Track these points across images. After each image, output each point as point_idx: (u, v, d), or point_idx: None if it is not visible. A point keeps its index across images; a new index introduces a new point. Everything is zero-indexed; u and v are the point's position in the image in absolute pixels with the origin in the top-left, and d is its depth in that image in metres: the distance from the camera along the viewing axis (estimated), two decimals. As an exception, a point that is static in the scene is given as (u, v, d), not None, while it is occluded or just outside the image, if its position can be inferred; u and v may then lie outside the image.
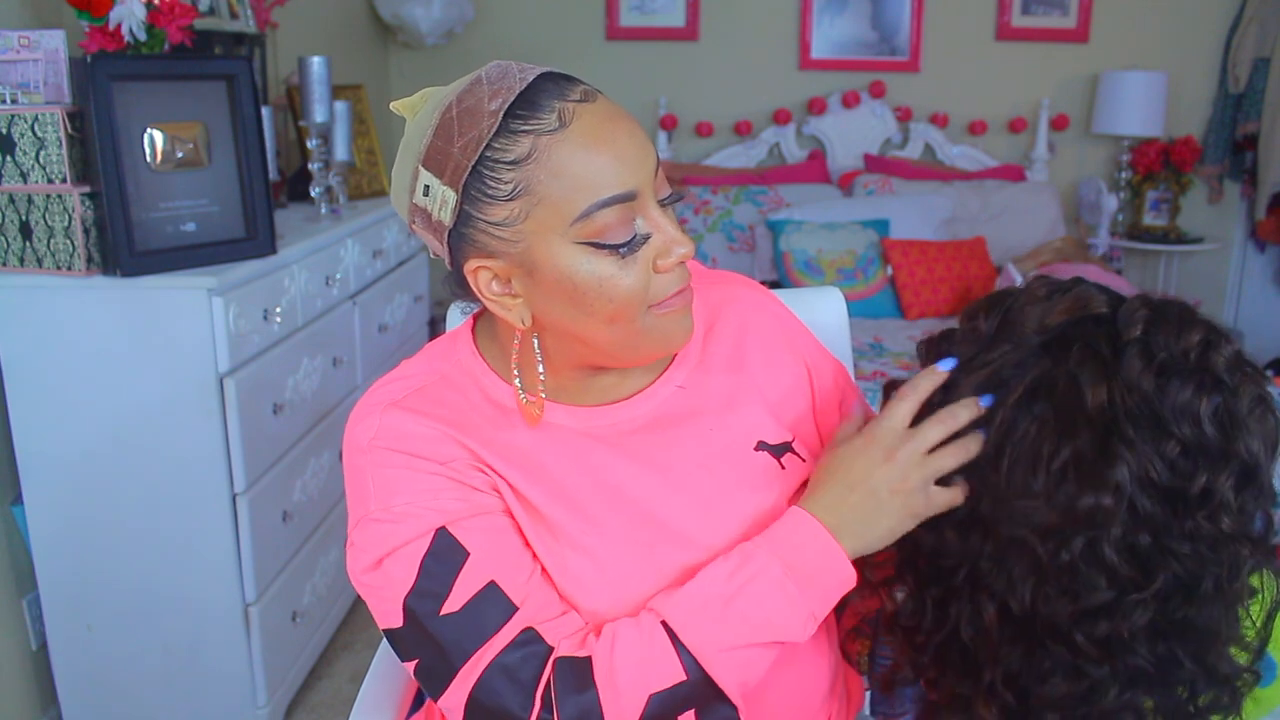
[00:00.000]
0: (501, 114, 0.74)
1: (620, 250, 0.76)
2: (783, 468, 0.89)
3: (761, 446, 0.89)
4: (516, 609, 0.77)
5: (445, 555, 0.77)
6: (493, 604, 0.77)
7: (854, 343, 1.60)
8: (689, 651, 0.75)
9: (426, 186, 0.77)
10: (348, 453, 0.84)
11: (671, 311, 0.81)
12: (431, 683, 0.78)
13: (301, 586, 2.02)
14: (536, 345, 0.84)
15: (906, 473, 0.77)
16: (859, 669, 1.11)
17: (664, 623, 0.77)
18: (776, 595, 0.77)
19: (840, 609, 1.17)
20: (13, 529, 1.77)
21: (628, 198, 0.76)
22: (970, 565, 0.78)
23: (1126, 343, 0.73)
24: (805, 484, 0.89)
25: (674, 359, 0.91)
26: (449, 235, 0.77)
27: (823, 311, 1.21)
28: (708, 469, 0.87)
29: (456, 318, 1.20)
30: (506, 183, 0.74)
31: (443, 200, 0.76)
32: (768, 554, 0.78)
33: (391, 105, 0.84)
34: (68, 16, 1.76)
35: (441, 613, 0.77)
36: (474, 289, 0.80)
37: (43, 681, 1.84)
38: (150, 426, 1.70)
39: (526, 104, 0.74)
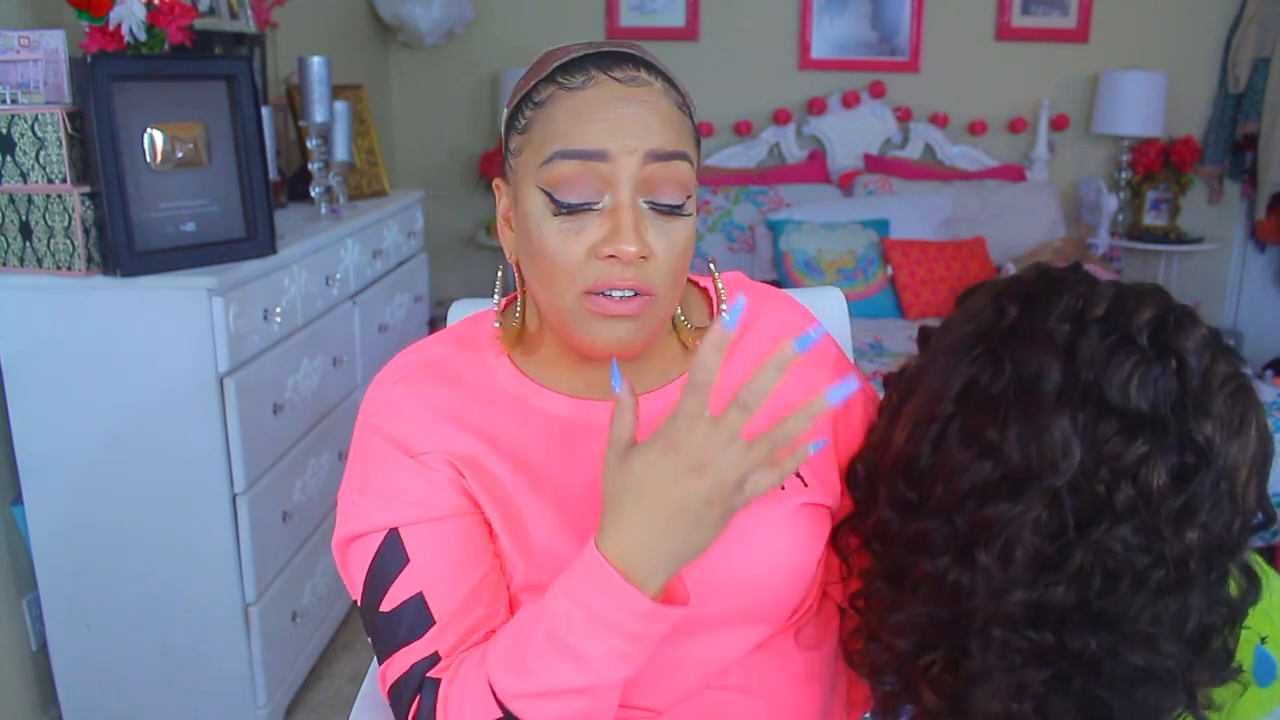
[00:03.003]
0: (553, 66, 0.80)
1: (561, 208, 0.77)
2: (782, 487, 0.87)
3: None
4: (434, 623, 0.80)
5: (390, 557, 0.82)
6: (415, 614, 0.80)
7: (854, 343, 1.60)
8: (497, 696, 0.73)
9: (505, 111, 0.85)
10: (357, 418, 0.89)
11: (598, 312, 0.78)
12: (378, 659, 0.84)
13: (301, 586, 2.02)
14: (515, 277, 0.88)
15: (722, 479, 0.66)
16: (861, 670, 1.10)
17: (486, 661, 0.76)
18: (561, 638, 0.70)
19: (843, 609, 1.17)
20: (13, 529, 1.77)
21: (591, 155, 0.76)
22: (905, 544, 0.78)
23: (1089, 321, 0.72)
24: (803, 505, 0.88)
25: None
26: (504, 155, 0.85)
27: (823, 311, 1.21)
28: None
29: (457, 317, 1.20)
30: (524, 119, 0.81)
31: (503, 122, 0.85)
32: (554, 594, 0.72)
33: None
34: (68, 16, 1.76)
35: (379, 608, 0.81)
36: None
37: (43, 681, 1.84)
38: (150, 426, 1.69)
39: (575, 64, 0.79)
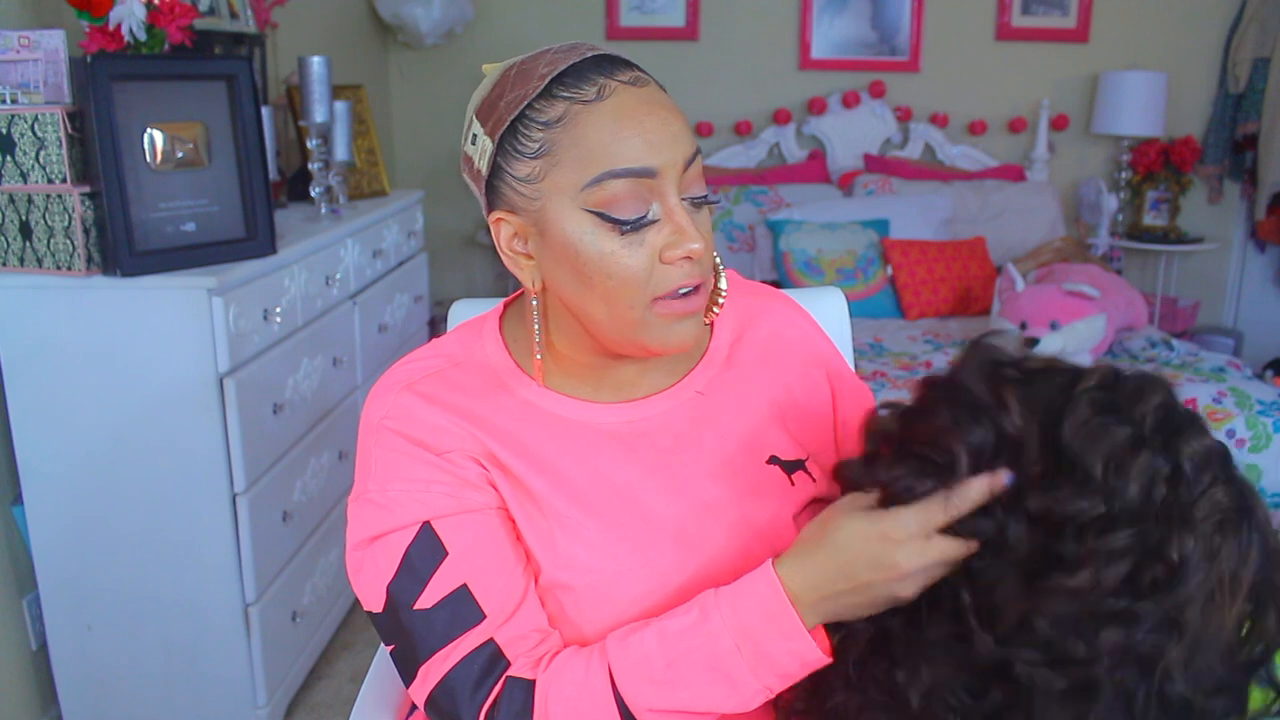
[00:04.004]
0: (549, 79, 0.77)
1: (624, 226, 0.77)
2: (792, 484, 0.89)
3: (774, 460, 0.89)
4: (484, 617, 0.78)
5: (426, 550, 0.79)
6: (462, 607, 0.78)
7: (854, 343, 1.60)
8: (625, 704, 0.74)
9: (474, 135, 0.81)
10: (361, 428, 0.87)
11: (671, 315, 0.79)
12: (403, 671, 0.81)
13: (301, 586, 2.02)
14: (535, 310, 0.85)
15: (910, 590, 0.71)
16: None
17: (609, 666, 0.76)
18: (722, 667, 0.73)
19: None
20: (13, 529, 1.77)
21: (641, 173, 0.76)
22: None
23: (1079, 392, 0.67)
24: (814, 501, 0.89)
25: (698, 363, 0.91)
26: (485, 185, 0.82)
27: (823, 311, 1.21)
28: (715, 476, 0.86)
29: (457, 317, 1.20)
30: (535, 141, 0.77)
31: (483, 149, 0.80)
32: (723, 618, 0.74)
33: (484, 67, 0.87)
34: (68, 16, 1.76)
35: (415, 606, 0.78)
36: (495, 242, 0.83)
37: (43, 681, 1.84)
38: (150, 427, 1.69)
39: (574, 74, 0.77)
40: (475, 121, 0.81)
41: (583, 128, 0.76)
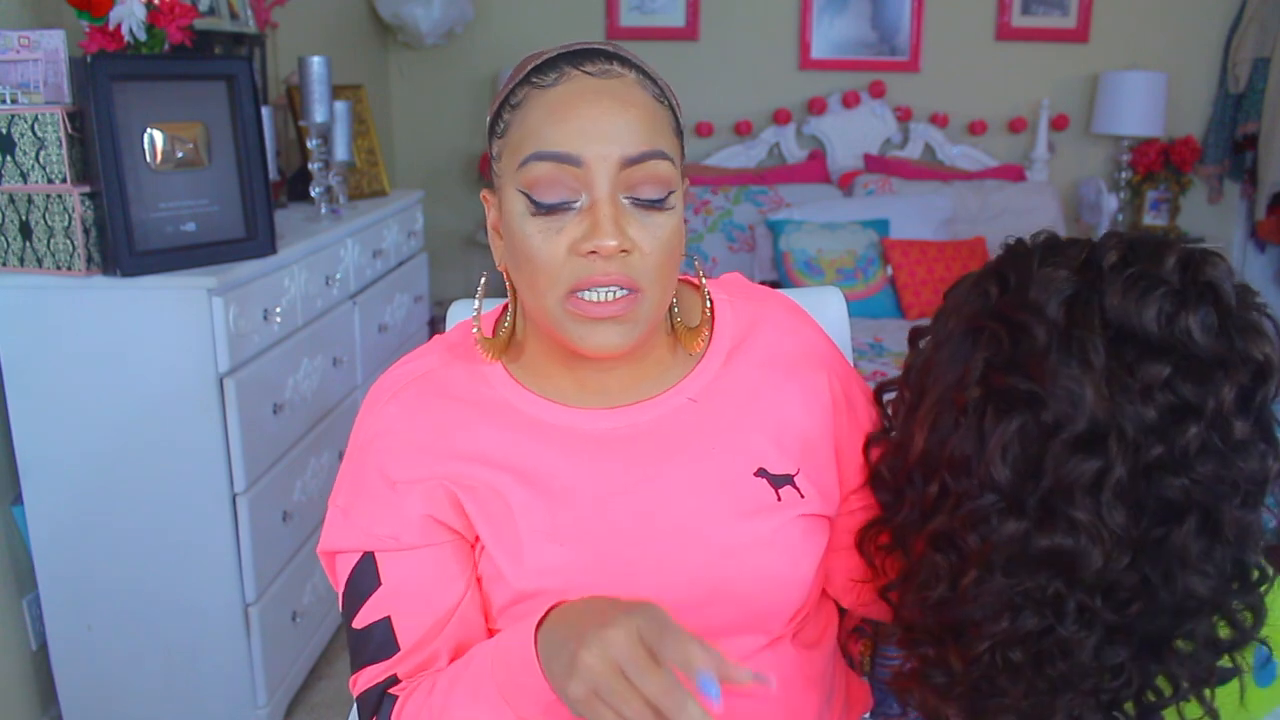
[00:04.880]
0: (529, 67, 0.80)
1: (541, 209, 0.77)
2: (779, 499, 0.86)
3: (761, 474, 0.86)
4: (398, 651, 0.84)
5: (364, 578, 0.85)
6: (381, 636, 0.84)
7: (854, 343, 1.60)
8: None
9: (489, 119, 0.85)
10: (351, 435, 0.90)
11: (579, 314, 0.78)
12: (351, 666, 0.89)
13: (301, 586, 2.01)
14: (507, 286, 0.87)
15: (589, 672, 0.65)
16: (860, 670, 1.10)
17: (435, 682, 0.82)
18: (484, 702, 0.76)
19: (841, 609, 1.17)
20: (13, 529, 1.77)
21: (565, 159, 0.76)
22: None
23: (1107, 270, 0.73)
24: (804, 516, 0.87)
25: (693, 369, 0.89)
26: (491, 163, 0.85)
27: (823, 311, 1.21)
28: (698, 490, 0.85)
29: (457, 317, 1.20)
30: (503, 123, 0.81)
31: (487, 130, 0.85)
32: (486, 659, 0.77)
33: None
34: (68, 16, 1.76)
35: (353, 624, 0.86)
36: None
37: (43, 681, 1.84)
38: (150, 426, 1.69)
39: (549, 63, 0.79)
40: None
41: (527, 110, 0.79)
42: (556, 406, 0.86)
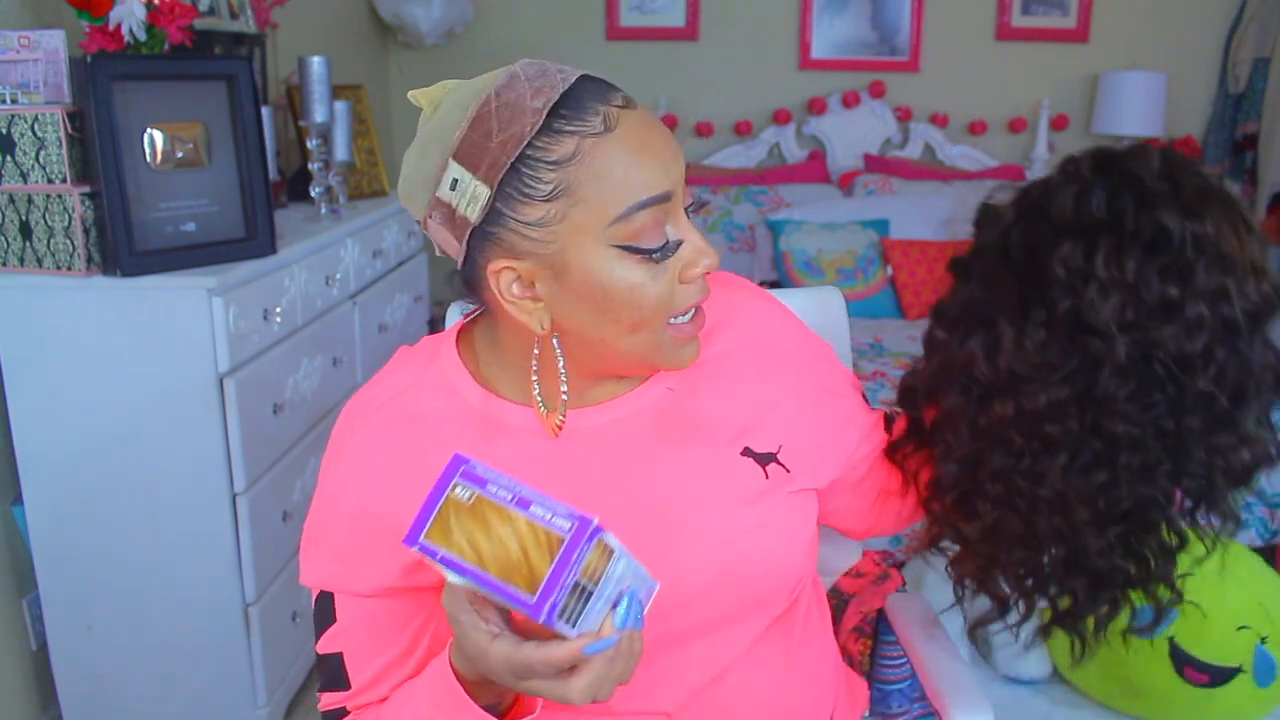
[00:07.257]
0: (545, 112, 0.73)
1: (654, 255, 0.76)
2: (766, 476, 0.87)
3: (748, 453, 0.87)
4: (349, 687, 0.86)
5: (324, 610, 0.87)
6: (335, 670, 0.87)
7: (854, 343, 1.60)
8: None
9: (455, 180, 0.74)
10: (327, 449, 0.88)
11: (684, 337, 0.81)
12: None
13: (301, 587, 2.01)
14: (558, 347, 0.81)
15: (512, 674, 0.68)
16: (860, 669, 1.11)
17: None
18: None
19: (841, 609, 1.17)
20: (13, 529, 1.77)
21: (664, 199, 0.76)
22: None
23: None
24: (794, 493, 0.88)
25: None
26: (472, 233, 0.76)
27: (823, 311, 1.21)
28: (689, 479, 0.85)
29: (456, 317, 1.20)
30: (546, 182, 0.73)
31: (473, 196, 0.74)
32: (419, 689, 0.79)
33: (410, 94, 0.82)
34: (68, 16, 1.76)
35: (317, 647, 0.88)
36: (493, 290, 0.78)
37: (43, 681, 1.84)
38: (150, 426, 1.69)
39: (571, 104, 0.74)
40: (454, 165, 0.74)
41: (601, 162, 0.73)
42: (534, 411, 0.85)
